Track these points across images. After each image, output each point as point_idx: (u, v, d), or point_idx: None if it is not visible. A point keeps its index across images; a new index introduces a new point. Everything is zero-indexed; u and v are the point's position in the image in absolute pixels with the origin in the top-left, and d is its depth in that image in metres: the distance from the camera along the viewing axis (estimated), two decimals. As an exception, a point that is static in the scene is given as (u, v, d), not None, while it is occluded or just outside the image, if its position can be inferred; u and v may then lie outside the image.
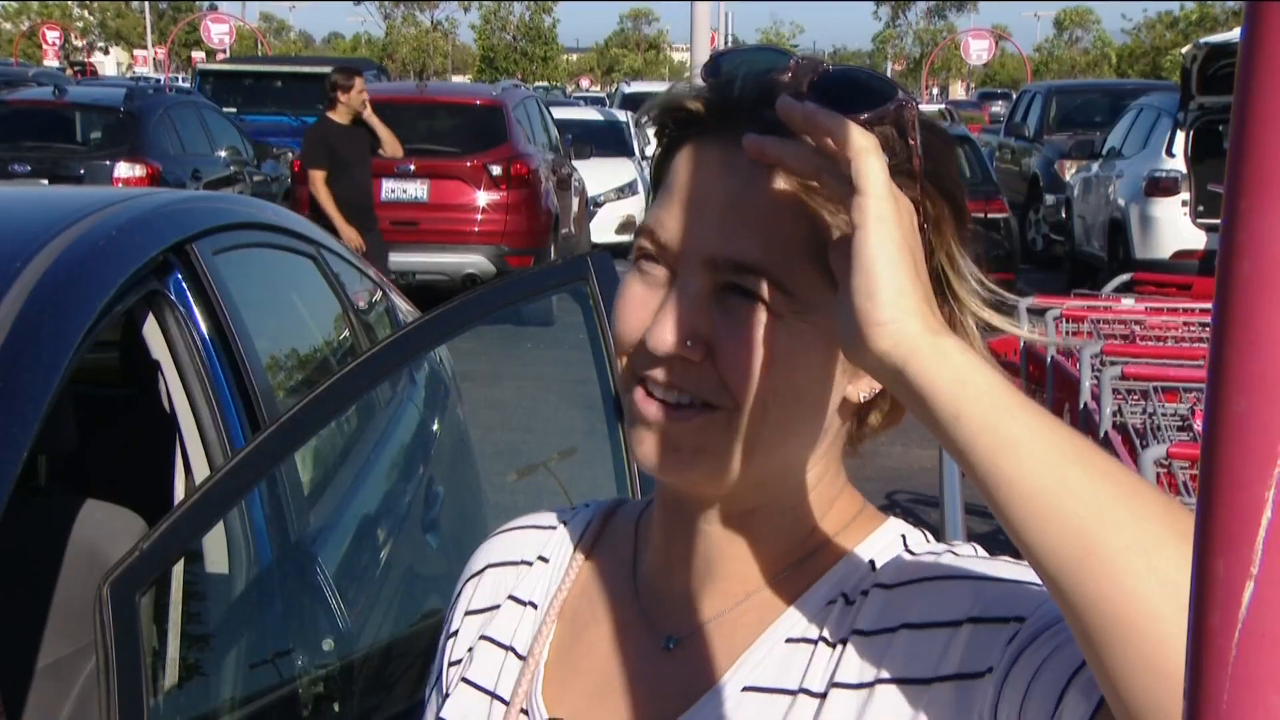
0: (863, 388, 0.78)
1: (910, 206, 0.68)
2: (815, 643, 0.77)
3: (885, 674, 0.73)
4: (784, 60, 0.75)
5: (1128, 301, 4.29)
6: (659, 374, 0.75)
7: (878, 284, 0.65)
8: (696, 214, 0.74)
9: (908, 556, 0.78)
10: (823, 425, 0.78)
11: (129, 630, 1.31)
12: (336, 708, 2.00)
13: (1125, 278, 5.07)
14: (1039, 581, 0.72)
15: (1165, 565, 0.57)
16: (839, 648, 0.75)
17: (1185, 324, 4.04)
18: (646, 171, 14.37)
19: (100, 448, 2.65)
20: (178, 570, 1.89)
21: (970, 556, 0.77)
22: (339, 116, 8.07)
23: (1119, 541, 0.59)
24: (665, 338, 0.73)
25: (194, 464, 2.07)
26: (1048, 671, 0.67)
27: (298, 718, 1.92)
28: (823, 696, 0.75)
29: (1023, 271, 11.39)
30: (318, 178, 7.91)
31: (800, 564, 0.80)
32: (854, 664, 0.74)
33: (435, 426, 3.20)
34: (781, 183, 0.72)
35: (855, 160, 0.66)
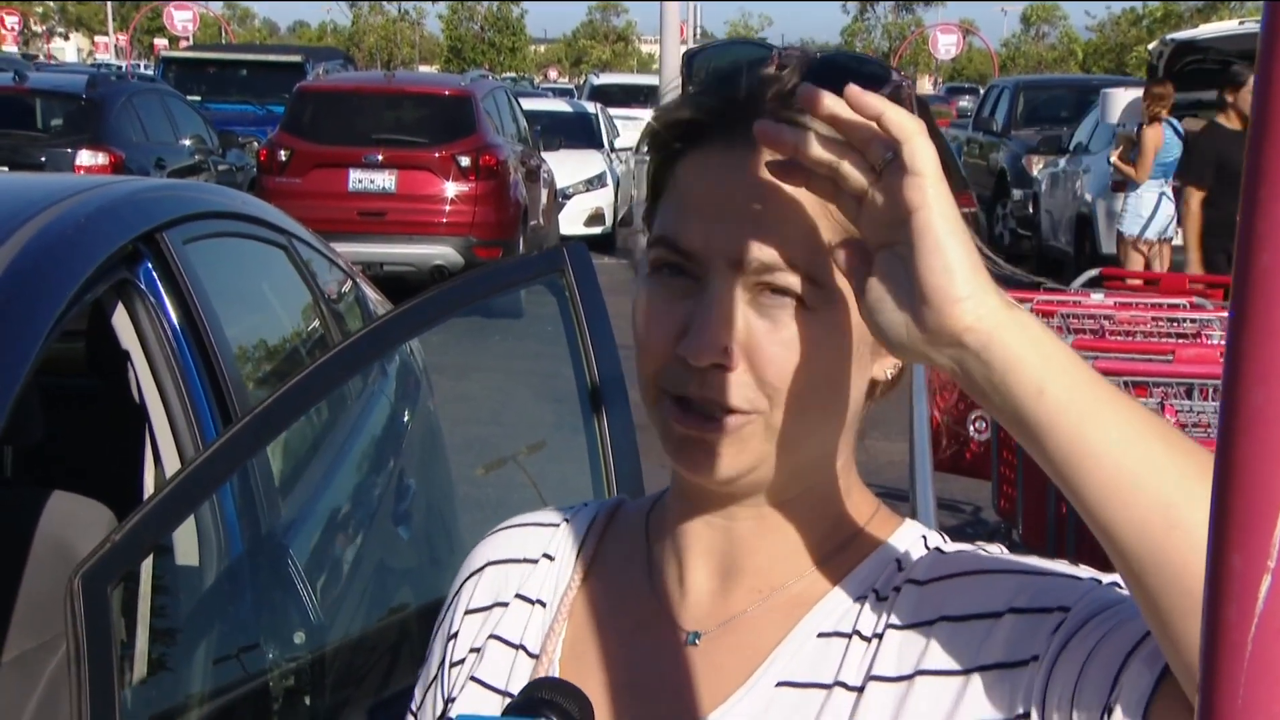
0: (888, 366, 0.78)
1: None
2: (849, 636, 0.76)
3: (924, 665, 0.73)
4: (764, 51, 0.75)
5: (1097, 296, 4.32)
6: (695, 388, 0.74)
7: (952, 260, 0.64)
8: (717, 219, 0.73)
9: (937, 554, 0.78)
10: (854, 410, 0.78)
11: (101, 623, 1.29)
12: (308, 701, 1.99)
13: (1094, 273, 5.11)
14: (1076, 574, 0.73)
15: None
16: (875, 641, 0.75)
17: (1154, 319, 4.08)
18: (615, 164, 14.38)
19: (68, 439, 2.62)
20: (147, 562, 1.87)
21: (999, 555, 0.77)
22: (1230, 121, 6.67)
23: (1204, 517, 0.60)
24: (702, 350, 0.72)
25: (164, 455, 2.05)
26: (1103, 652, 0.67)
27: (268, 711, 1.90)
28: (860, 690, 0.74)
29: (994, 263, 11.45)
30: (1195, 198, 6.56)
31: (825, 561, 0.80)
32: (892, 657, 0.74)
33: (406, 419, 3.18)
34: (799, 183, 0.71)
35: (908, 142, 0.65)
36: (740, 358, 0.73)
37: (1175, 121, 8.67)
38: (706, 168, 0.74)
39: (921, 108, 0.74)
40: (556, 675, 0.83)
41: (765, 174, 0.72)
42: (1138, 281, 5.23)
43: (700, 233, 0.73)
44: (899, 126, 0.65)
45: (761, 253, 0.72)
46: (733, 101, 0.74)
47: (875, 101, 0.66)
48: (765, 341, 0.73)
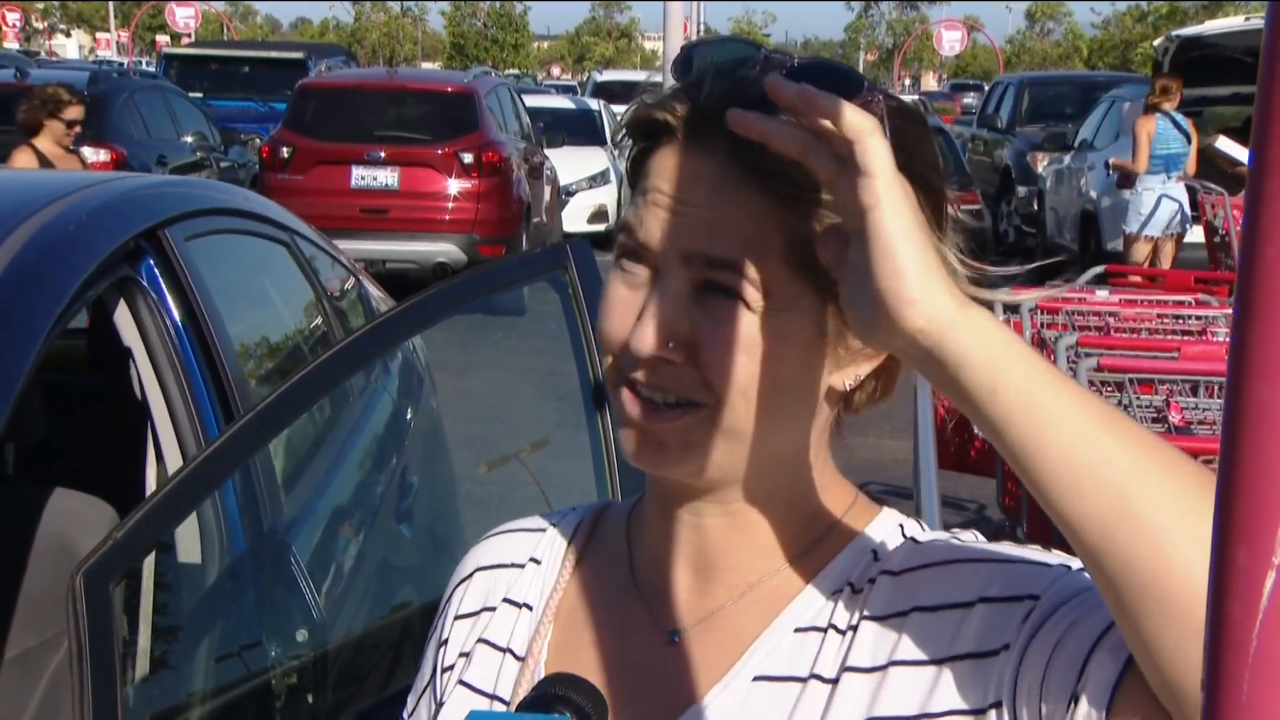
0: (848, 376, 0.79)
1: (908, 184, 0.69)
2: (825, 630, 0.77)
3: (898, 656, 0.74)
4: (752, 51, 0.76)
5: (1102, 293, 4.32)
6: (643, 375, 0.76)
7: (903, 262, 0.65)
8: (672, 215, 0.75)
9: (912, 544, 0.79)
10: (810, 416, 0.79)
11: (103, 621, 1.29)
12: (310, 699, 1.99)
13: (1099, 270, 5.10)
14: (1046, 561, 0.74)
15: (1201, 527, 0.59)
16: (850, 634, 0.76)
17: (1159, 316, 4.07)
18: (619, 161, 14.32)
19: (70, 436, 2.62)
20: (148, 560, 1.87)
21: (973, 543, 0.78)
22: None
23: (1156, 506, 0.61)
24: (647, 340, 0.74)
25: (166, 453, 2.05)
26: (1071, 641, 0.68)
27: (271, 709, 1.90)
28: (835, 681, 0.75)
29: (994, 263, 11.44)
30: None
31: (801, 556, 0.81)
32: (866, 648, 0.75)
33: (409, 416, 3.18)
34: (753, 190, 0.73)
35: (859, 142, 0.66)
36: (684, 352, 0.75)
37: (1178, 115, 8.65)
38: (669, 166, 0.76)
39: (909, 119, 0.75)
40: (543, 676, 0.83)
41: (723, 178, 0.74)
42: (1143, 278, 5.23)
43: (657, 226, 0.75)
44: (850, 126, 0.66)
45: (708, 249, 0.74)
46: (700, 105, 0.75)
47: (826, 101, 0.67)
48: (708, 338, 0.75)
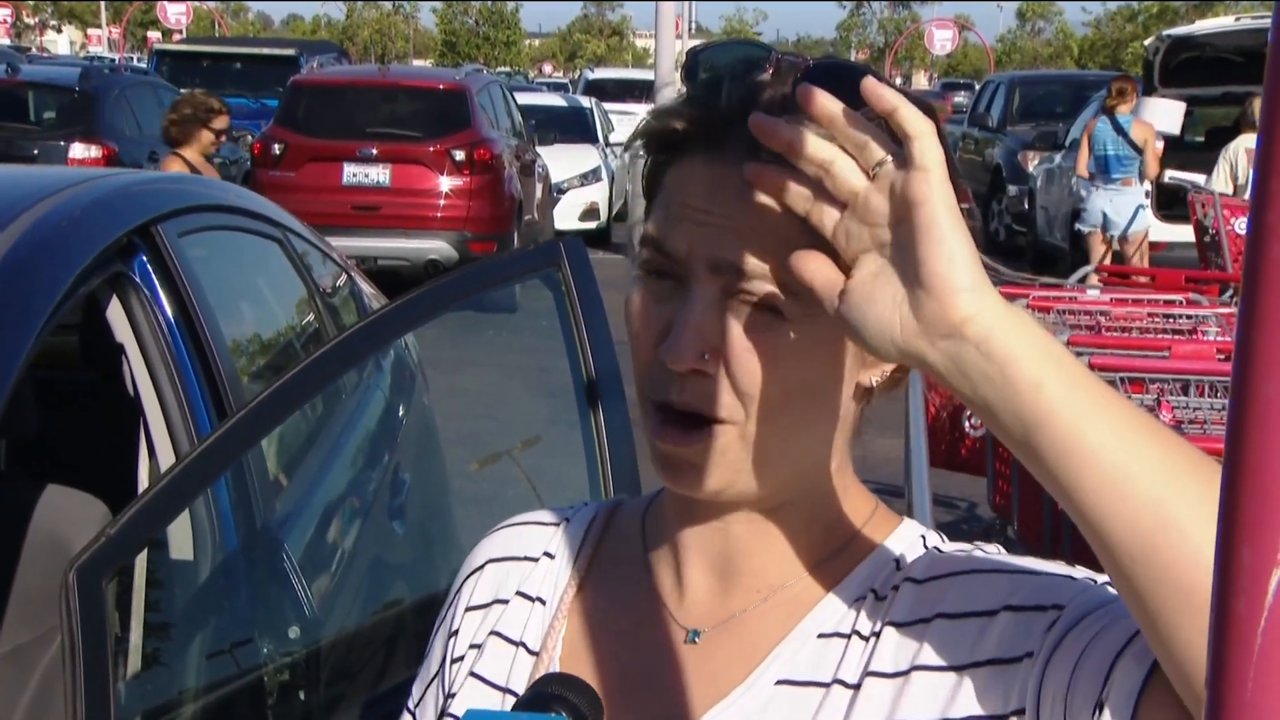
0: (874, 373, 0.78)
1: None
2: (848, 636, 0.77)
3: (920, 661, 0.74)
4: (764, 53, 0.76)
5: (1093, 292, 4.33)
6: (676, 391, 0.75)
7: (956, 251, 0.65)
8: (698, 225, 0.74)
9: (936, 554, 0.79)
10: (839, 417, 0.79)
11: (96, 617, 1.29)
12: (302, 695, 1.99)
13: (1089, 268, 5.12)
14: (1071, 574, 0.74)
15: None
16: (873, 640, 0.76)
17: (1150, 315, 4.08)
18: (610, 158, 14.37)
19: (63, 432, 2.61)
20: (141, 556, 1.87)
21: (996, 555, 0.78)
22: None
23: (1195, 514, 0.61)
24: (681, 353, 0.74)
25: (159, 449, 2.04)
26: (1095, 650, 0.68)
27: (263, 706, 1.90)
28: (857, 687, 0.75)
29: (985, 262, 11.48)
30: None
31: (824, 562, 0.81)
32: (889, 653, 0.75)
33: (401, 413, 3.17)
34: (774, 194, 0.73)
35: (918, 140, 0.66)
36: (718, 363, 0.74)
37: (1124, 118, 8.71)
38: (693, 175, 0.75)
39: (928, 112, 0.75)
40: (539, 677, 0.83)
41: (746, 184, 0.73)
42: (1140, 278, 5.24)
43: (684, 237, 0.75)
44: (911, 122, 0.66)
45: (740, 260, 0.73)
46: (719, 112, 0.75)
47: (891, 95, 0.67)
48: (741, 349, 0.74)
